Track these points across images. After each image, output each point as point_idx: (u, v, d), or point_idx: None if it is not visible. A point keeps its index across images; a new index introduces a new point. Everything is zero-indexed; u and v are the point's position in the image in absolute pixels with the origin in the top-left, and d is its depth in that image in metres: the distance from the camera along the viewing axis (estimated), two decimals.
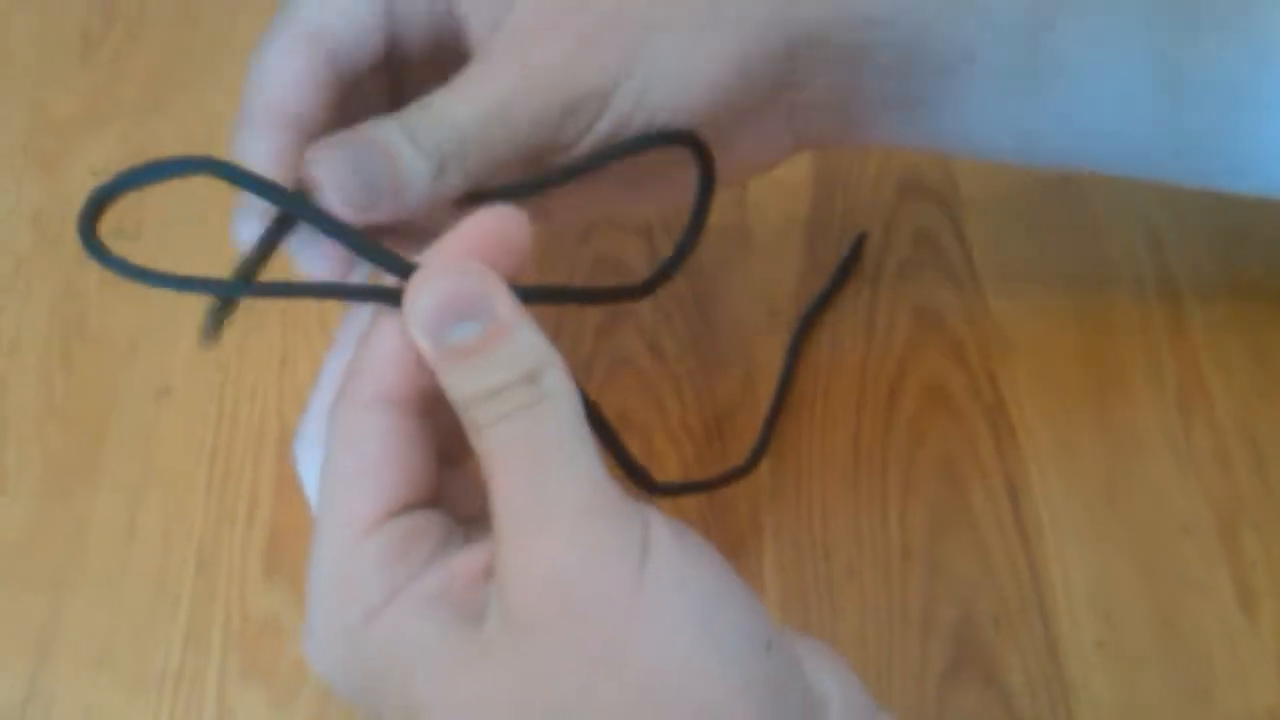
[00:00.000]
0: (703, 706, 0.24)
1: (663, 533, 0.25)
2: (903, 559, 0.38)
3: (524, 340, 0.26)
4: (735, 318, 0.44)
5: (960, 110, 0.35)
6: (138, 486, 0.42)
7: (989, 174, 0.46)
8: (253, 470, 0.42)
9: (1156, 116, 0.34)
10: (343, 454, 0.27)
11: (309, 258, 0.30)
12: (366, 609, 0.25)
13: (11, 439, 0.43)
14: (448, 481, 0.28)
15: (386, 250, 0.29)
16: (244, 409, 0.43)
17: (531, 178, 0.32)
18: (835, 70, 0.34)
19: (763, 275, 0.44)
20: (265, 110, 0.30)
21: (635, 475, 0.32)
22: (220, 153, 0.29)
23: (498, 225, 0.27)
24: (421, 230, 0.30)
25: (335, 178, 0.28)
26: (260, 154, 0.30)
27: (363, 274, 0.30)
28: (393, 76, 0.33)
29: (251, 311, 0.44)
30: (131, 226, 0.47)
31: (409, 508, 0.27)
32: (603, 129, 0.31)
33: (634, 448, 0.40)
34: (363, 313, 0.29)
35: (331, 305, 0.41)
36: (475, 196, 0.31)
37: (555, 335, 0.43)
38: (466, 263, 0.27)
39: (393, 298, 0.27)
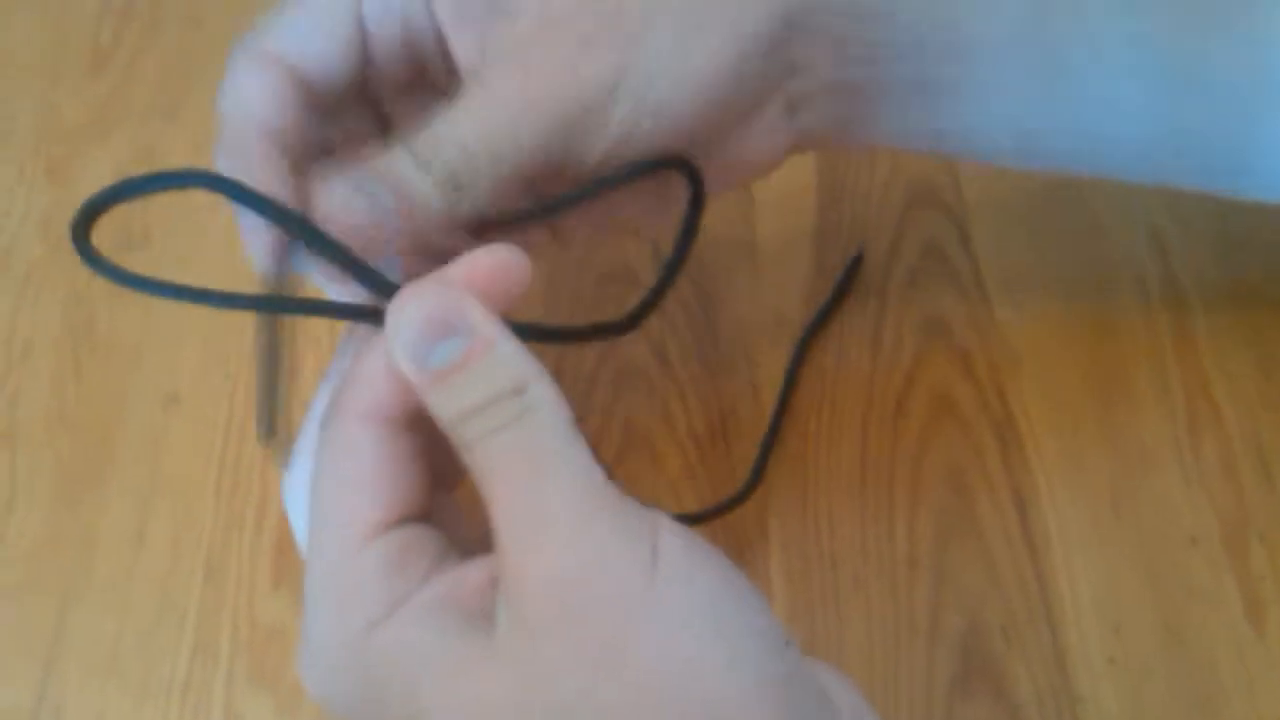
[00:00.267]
0: (720, 705, 0.24)
1: (672, 535, 0.25)
2: (910, 569, 0.38)
3: (506, 354, 0.26)
4: (741, 326, 0.44)
5: (960, 107, 0.34)
6: (146, 494, 0.42)
7: (995, 183, 0.46)
8: (261, 478, 0.42)
9: (1158, 116, 0.34)
10: (337, 464, 0.27)
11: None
12: (368, 619, 0.25)
13: (21, 446, 0.43)
14: (438, 507, 0.28)
15: (373, 270, 0.29)
16: (253, 416, 0.43)
17: (537, 204, 0.32)
18: (834, 61, 0.33)
19: (769, 284, 0.44)
20: (241, 129, 0.30)
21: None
22: None
23: (495, 262, 0.27)
24: (441, 255, 0.30)
25: (345, 210, 0.29)
26: (239, 171, 0.30)
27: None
28: (374, 96, 0.34)
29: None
30: (139, 236, 0.47)
31: (404, 521, 0.27)
32: (611, 133, 0.31)
33: (639, 455, 0.41)
34: (353, 345, 0.29)
35: None
36: (489, 222, 0.31)
37: (558, 350, 0.43)
38: (442, 284, 0.27)
39: (378, 317, 0.27)
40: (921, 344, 0.43)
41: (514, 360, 0.26)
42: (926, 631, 0.37)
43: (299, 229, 0.29)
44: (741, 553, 0.39)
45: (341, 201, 0.29)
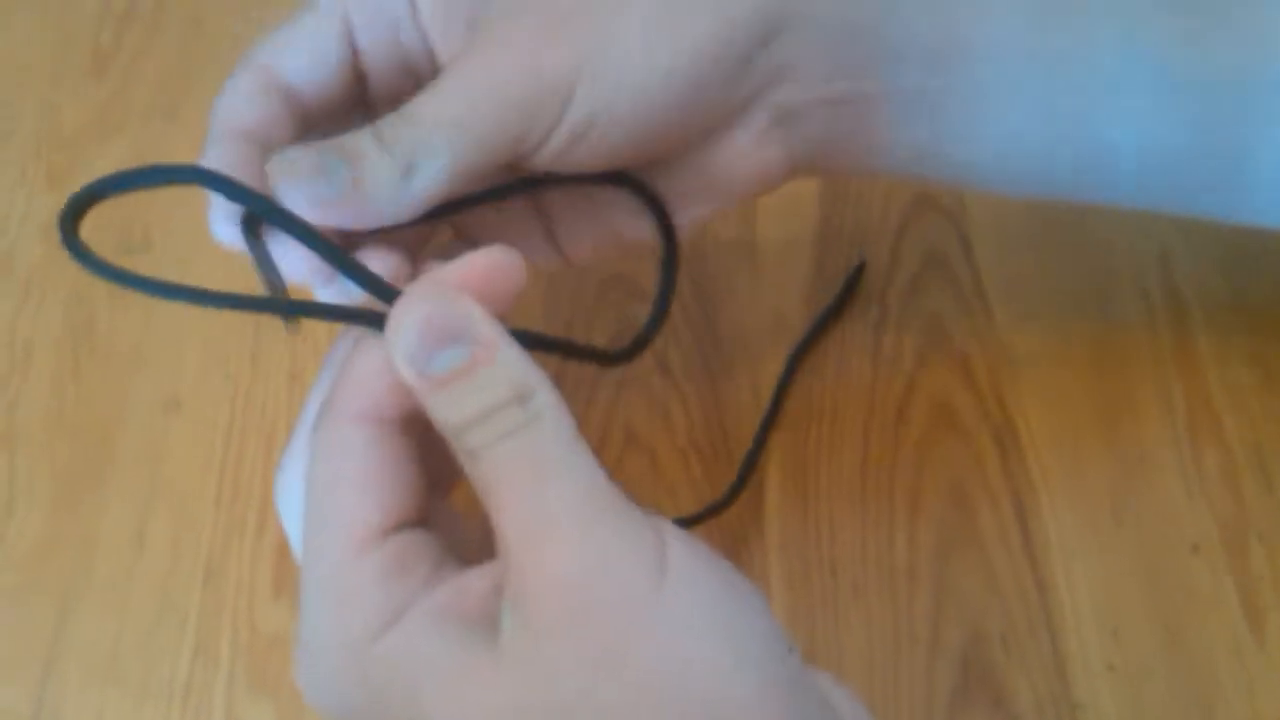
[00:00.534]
0: (725, 707, 0.24)
1: (676, 539, 0.25)
2: (909, 578, 0.38)
3: (510, 361, 0.26)
4: (743, 333, 0.44)
5: (958, 124, 0.34)
6: (146, 498, 0.42)
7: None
8: (262, 483, 0.42)
9: (1158, 133, 0.34)
10: (333, 466, 0.27)
11: (288, 265, 0.30)
12: (369, 627, 0.25)
13: (21, 450, 0.43)
14: (433, 511, 0.28)
15: (367, 269, 0.29)
16: (253, 421, 0.43)
17: (492, 188, 0.32)
18: (826, 71, 0.33)
19: (770, 291, 0.44)
20: (228, 134, 0.30)
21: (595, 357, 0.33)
22: None
23: (491, 263, 0.27)
24: (405, 242, 0.31)
25: (295, 176, 0.28)
26: (225, 169, 0.30)
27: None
28: (372, 108, 0.34)
29: (261, 323, 0.45)
30: (139, 240, 0.47)
31: (402, 525, 0.27)
32: (572, 122, 0.31)
33: (640, 463, 0.41)
34: (342, 351, 0.29)
35: None
36: (451, 206, 0.31)
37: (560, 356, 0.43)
38: (446, 289, 0.26)
39: (376, 321, 0.27)
40: (922, 351, 0.43)
41: (517, 367, 0.26)
42: (926, 640, 0.37)
43: (290, 225, 0.29)
44: (741, 559, 0.39)
45: (293, 177, 0.29)
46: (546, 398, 0.26)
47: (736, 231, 0.46)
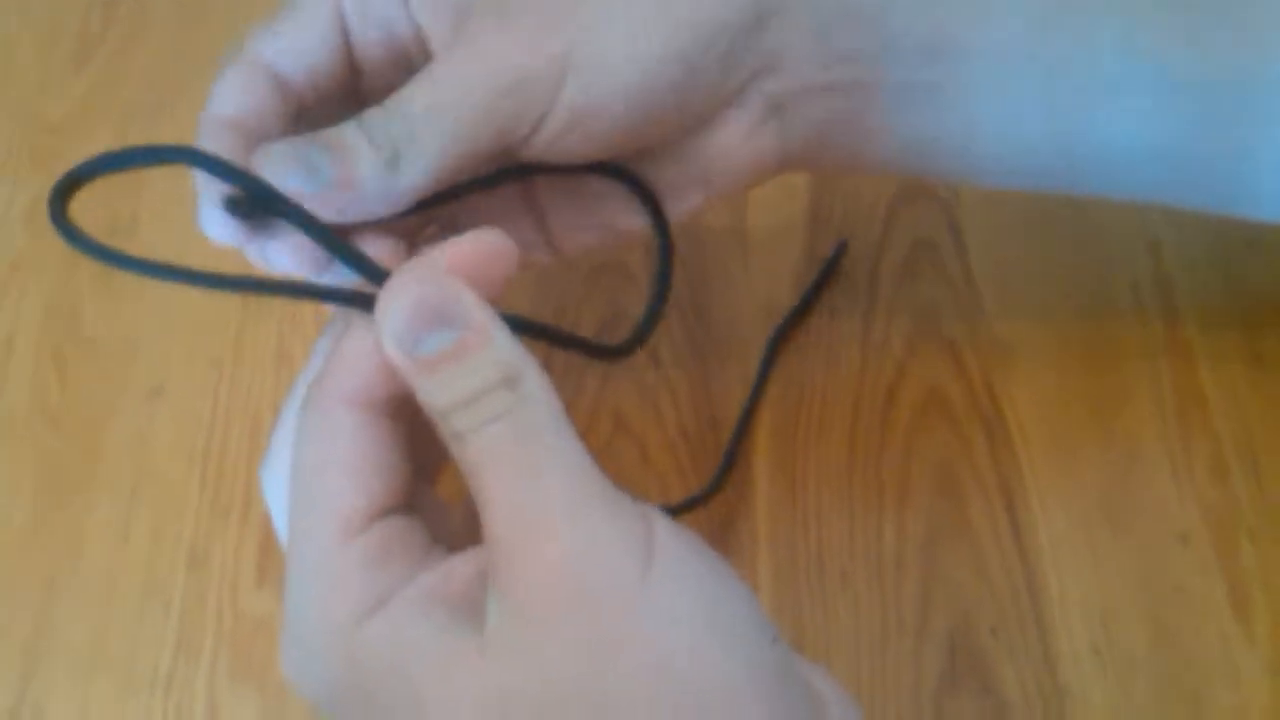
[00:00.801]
0: (711, 694, 0.24)
1: (663, 526, 0.25)
2: (897, 567, 0.38)
3: (500, 345, 0.26)
4: (732, 322, 0.43)
5: (953, 116, 0.34)
6: (131, 487, 0.41)
7: None
8: (247, 470, 0.41)
9: (1155, 129, 0.34)
10: (320, 449, 0.27)
11: (278, 254, 0.30)
12: (356, 612, 0.25)
13: (4, 441, 0.43)
14: (420, 497, 0.28)
15: (359, 251, 0.29)
16: (238, 408, 0.43)
17: (483, 176, 0.32)
18: (818, 59, 0.33)
19: (760, 275, 0.44)
20: (219, 125, 0.30)
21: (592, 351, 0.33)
22: None
23: (482, 247, 0.27)
24: (400, 231, 0.31)
25: (279, 169, 0.28)
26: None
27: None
28: (366, 100, 0.33)
29: (248, 309, 0.44)
30: (126, 222, 0.47)
31: (389, 511, 0.27)
32: (560, 113, 0.31)
33: (630, 453, 0.41)
34: (331, 337, 0.29)
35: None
36: (441, 196, 0.31)
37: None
38: (436, 271, 0.26)
39: (365, 302, 0.27)
40: (912, 340, 0.43)
41: (507, 351, 0.26)
42: (914, 628, 0.37)
43: (283, 208, 0.28)
44: (729, 546, 0.39)
45: (277, 170, 0.28)
46: (536, 382, 0.26)
47: (727, 220, 0.46)
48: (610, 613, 0.24)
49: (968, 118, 0.34)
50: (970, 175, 0.36)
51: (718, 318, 0.44)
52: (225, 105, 0.31)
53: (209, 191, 0.29)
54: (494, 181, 0.33)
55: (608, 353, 0.35)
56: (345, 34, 0.32)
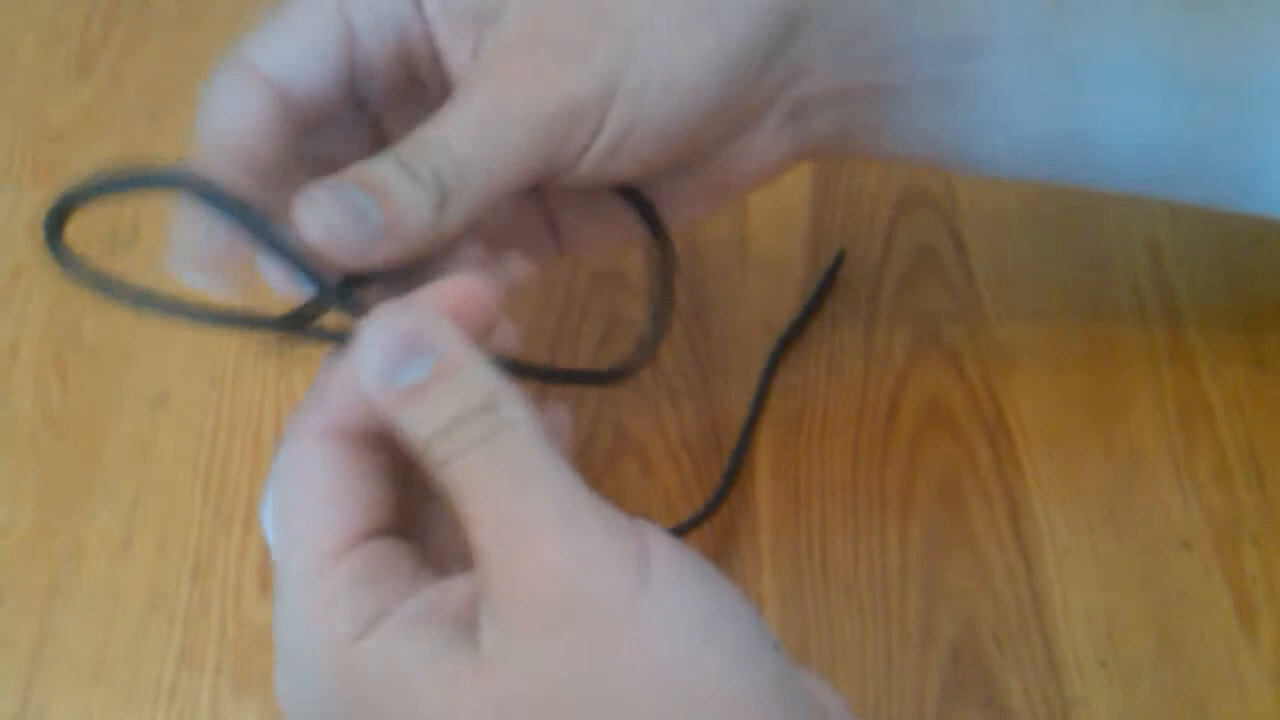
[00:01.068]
0: (711, 703, 0.24)
1: (659, 542, 0.25)
2: (901, 577, 0.38)
3: (476, 371, 0.26)
4: (734, 332, 0.43)
5: (967, 114, 0.34)
6: (133, 497, 0.41)
7: (989, 186, 0.46)
8: (250, 480, 0.41)
9: (1166, 125, 0.34)
10: (298, 481, 0.27)
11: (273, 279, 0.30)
12: (348, 632, 0.25)
13: (6, 448, 0.43)
14: (428, 519, 0.28)
15: (345, 290, 0.28)
16: (241, 418, 0.43)
17: None
18: (839, 64, 0.32)
19: (762, 291, 0.44)
20: (218, 150, 0.30)
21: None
22: None
23: (461, 292, 0.27)
24: (436, 271, 0.30)
25: (326, 223, 0.28)
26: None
27: None
28: (371, 111, 0.33)
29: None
30: (127, 233, 0.47)
31: (371, 536, 0.26)
32: (605, 138, 0.30)
33: (632, 465, 0.41)
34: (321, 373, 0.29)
35: None
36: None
37: (552, 350, 0.43)
38: (409, 305, 0.26)
39: (343, 339, 0.27)
40: (914, 348, 0.42)
41: (484, 376, 0.25)
42: (918, 637, 0.37)
43: (278, 245, 0.28)
44: (732, 557, 0.39)
45: (326, 222, 0.28)
46: (516, 405, 0.25)
47: (728, 231, 0.46)
48: (605, 623, 0.24)
49: (983, 112, 0.34)
50: (979, 168, 0.36)
51: (720, 329, 0.44)
52: (222, 121, 0.30)
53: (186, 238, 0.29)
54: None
55: (606, 377, 0.34)
56: (350, 38, 0.31)
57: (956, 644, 0.37)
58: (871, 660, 0.37)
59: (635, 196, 0.34)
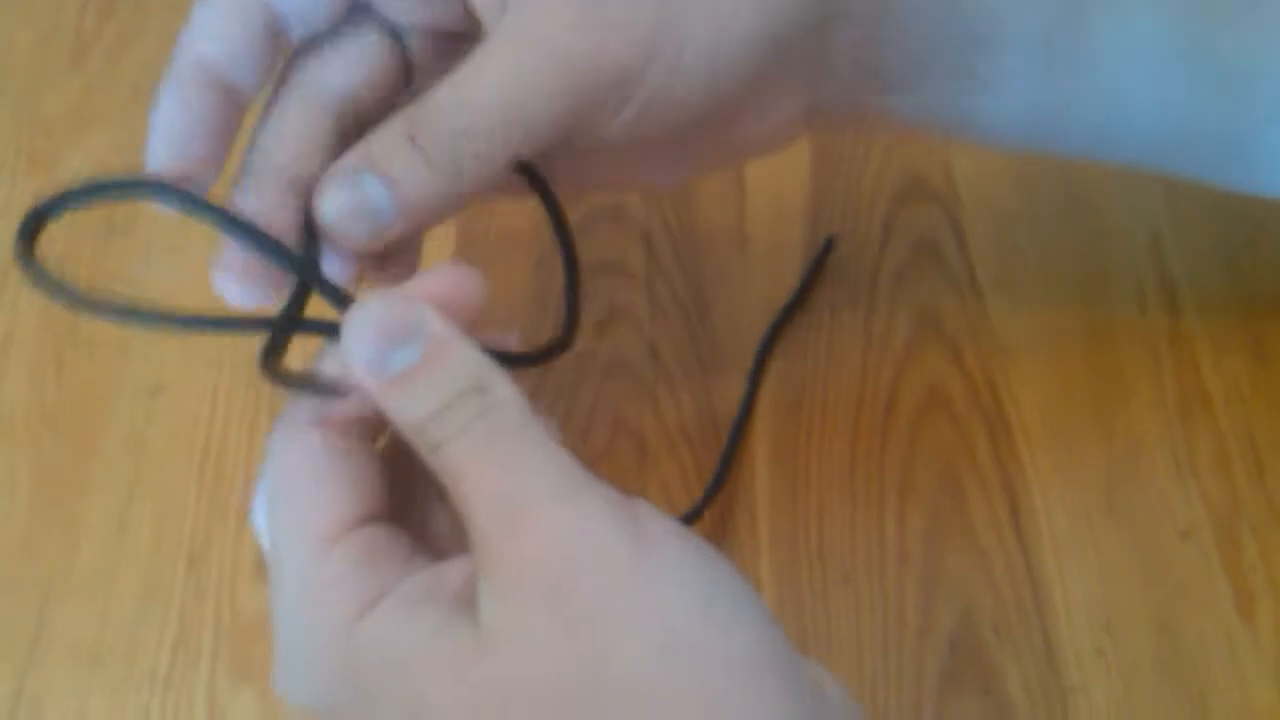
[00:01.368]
0: (713, 672, 0.24)
1: (652, 515, 0.25)
2: (900, 565, 0.38)
3: (464, 355, 0.26)
4: (733, 320, 0.43)
5: (979, 93, 0.34)
6: (129, 486, 0.41)
7: (990, 175, 0.45)
8: (245, 469, 0.41)
9: (1173, 105, 0.34)
10: (290, 472, 0.27)
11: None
12: (347, 614, 0.25)
13: (3, 439, 0.43)
14: (426, 507, 0.28)
15: (332, 283, 0.28)
16: (237, 407, 0.43)
17: None
18: (861, 40, 0.32)
19: (760, 278, 0.44)
20: (193, 76, 0.29)
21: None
22: None
23: (447, 282, 0.27)
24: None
25: (338, 219, 0.28)
26: (264, 215, 0.28)
27: None
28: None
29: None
30: (122, 222, 0.46)
31: (365, 522, 0.27)
32: (638, 102, 0.29)
33: (630, 452, 0.41)
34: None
35: None
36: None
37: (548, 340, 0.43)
38: (395, 293, 0.26)
39: (334, 330, 0.27)
40: (914, 338, 0.42)
41: (473, 360, 0.25)
42: (916, 628, 0.37)
43: (263, 244, 0.28)
44: (730, 544, 0.39)
45: (338, 220, 0.28)
46: (505, 387, 0.25)
47: (726, 219, 0.46)
48: (604, 594, 0.24)
49: (991, 94, 0.34)
50: (980, 142, 0.36)
51: (718, 317, 0.43)
52: (203, 44, 0.28)
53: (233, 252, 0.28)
54: None
55: (542, 356, 0.33)
56: None
57: (954, 633, 0.37)
58: (869, 649, 0.37)
59: (530, 171, 0.32)
